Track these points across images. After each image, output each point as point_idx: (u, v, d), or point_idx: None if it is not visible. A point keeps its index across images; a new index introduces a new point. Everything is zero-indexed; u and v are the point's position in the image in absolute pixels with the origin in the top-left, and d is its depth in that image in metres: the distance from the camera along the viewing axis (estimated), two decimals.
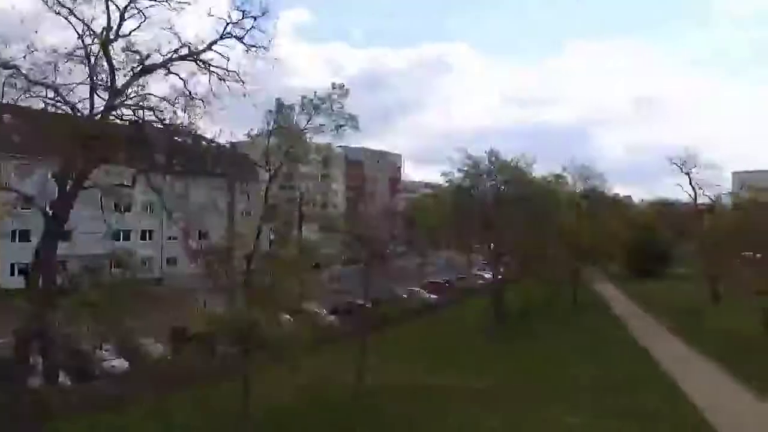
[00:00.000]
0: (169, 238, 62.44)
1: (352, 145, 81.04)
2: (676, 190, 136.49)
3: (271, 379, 23.57)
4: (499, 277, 46.10)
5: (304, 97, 22.18)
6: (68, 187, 19.11)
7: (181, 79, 20.09)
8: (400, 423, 22.55)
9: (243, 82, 19.82)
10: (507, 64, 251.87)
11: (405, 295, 50.24)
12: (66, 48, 19.45)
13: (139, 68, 19.57)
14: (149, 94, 19.96)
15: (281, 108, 22.11)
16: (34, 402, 17.96)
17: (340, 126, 22.11)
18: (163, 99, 19.95)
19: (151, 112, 19.80)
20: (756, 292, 38.19)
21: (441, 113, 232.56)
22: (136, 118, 20.16)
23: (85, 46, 19.78)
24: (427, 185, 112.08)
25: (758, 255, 43.03)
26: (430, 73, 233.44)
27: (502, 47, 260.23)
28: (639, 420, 22.52)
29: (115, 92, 19.42)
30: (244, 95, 19.95)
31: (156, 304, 31.18)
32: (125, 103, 19.90)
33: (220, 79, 19.85)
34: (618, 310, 51.37)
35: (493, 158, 45.15)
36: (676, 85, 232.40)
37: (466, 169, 44.11)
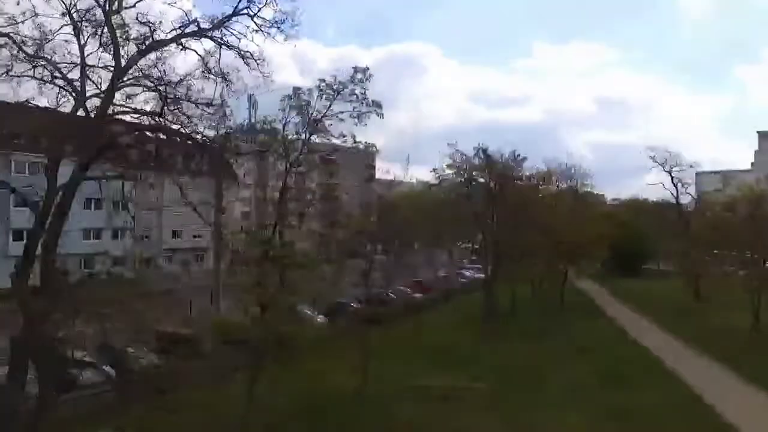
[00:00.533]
0: (141, 237, 59.97)
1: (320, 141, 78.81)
2: (646, 188, 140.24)
3: (268, 380, 22.38)
4: (489, 275, 45.47)
5: (322, 81, 20.56)
6: (67, 180, 17.11)
7: (199, 55, 18.27)
8: (406, 425, 21.68)
9: (258, 62, 18.13)
10: (475, 65, 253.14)
11: (393, 294, 49.01)
12: (51, 17, 17.32)
13: (145, 44, 17.68)
14: (159, 75, 17.93)
15: (298, 94, 20.38)
16: (34, 415, 16.02)
17: (363, 113, 20.51)
18: (179, 81, 17.92)
19: (157, 93, 17.98)
20: (745, 290, 38.68)
21: (409, 113, 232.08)
22: (153, 103, 18.12)
23: (73, 22, 17.75)
24: (417, 183, 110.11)
25: (744, 254, 43.25)
26: (398, 73, 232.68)
27: (469, 48, 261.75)
28: (646, 419, 22.21)
29: (119, 71, 17.49)
30: (265, 77, 18.23)
31: (151, 305, 29.44)
32: (130, 82, 18.00)
33: (240, 56, 18.07)
34: (607, 307, 51.40)
35: (483, 155, 44.65)
36: (642, 87, 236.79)
37: (459, 165, 43.40)
